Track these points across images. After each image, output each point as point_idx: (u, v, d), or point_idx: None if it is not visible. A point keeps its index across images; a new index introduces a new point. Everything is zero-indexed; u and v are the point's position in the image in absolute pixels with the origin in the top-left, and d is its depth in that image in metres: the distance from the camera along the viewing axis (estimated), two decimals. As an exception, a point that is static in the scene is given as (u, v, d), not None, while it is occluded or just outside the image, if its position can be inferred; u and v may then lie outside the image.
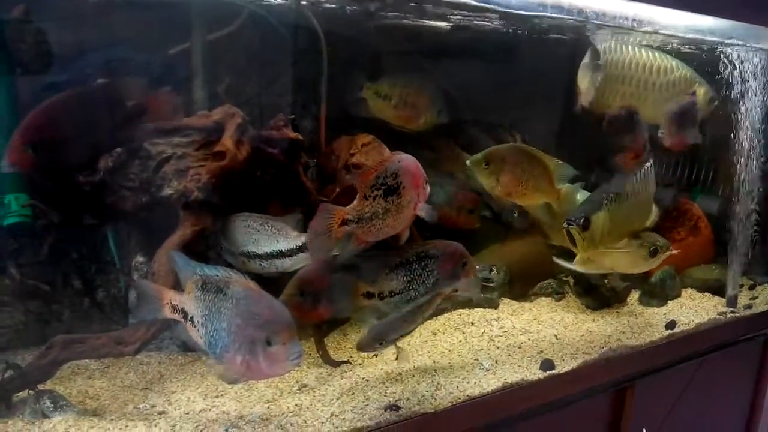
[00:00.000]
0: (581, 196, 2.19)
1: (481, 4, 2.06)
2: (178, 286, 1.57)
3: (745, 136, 2.76)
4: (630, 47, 2.51)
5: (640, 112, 2.61)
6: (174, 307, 1.53)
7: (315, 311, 1.85)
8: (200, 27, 2.12)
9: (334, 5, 2.12)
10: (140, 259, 2.01)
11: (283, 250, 1.78)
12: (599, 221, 1.98)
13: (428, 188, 1.76)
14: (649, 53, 2.54)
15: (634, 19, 2.21)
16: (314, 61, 2.25)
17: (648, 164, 2.18)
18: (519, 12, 2.13)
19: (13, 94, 1.87)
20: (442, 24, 2.39)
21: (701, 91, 2.57)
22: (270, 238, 1.79)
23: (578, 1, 2.10)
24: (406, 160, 1.70)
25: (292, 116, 2.06)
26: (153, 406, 1.73)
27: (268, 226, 1.80)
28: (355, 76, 2.51)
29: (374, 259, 1.84)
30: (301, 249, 1.77)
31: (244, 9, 2.11)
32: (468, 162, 2.13)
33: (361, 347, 1.88)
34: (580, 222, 1.95)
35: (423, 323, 2.13)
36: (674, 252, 2.37)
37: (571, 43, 2.59)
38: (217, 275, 1.45)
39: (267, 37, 2.21)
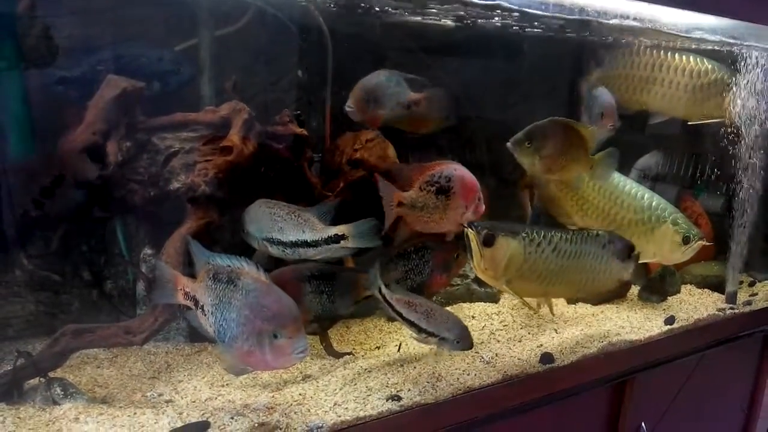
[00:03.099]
0: (614, 160, 2.20)
1: (488, 2, 2.08)
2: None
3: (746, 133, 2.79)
4: (663, 51, 2.65)
5: (675, 113, 2.80)
6: (186, 294, 1.57)
7: None
8: (208, 23, 2.15)
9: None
10: (148, 251, 2.05)
11: (308, 240, 1.82)
12: (506, 249, 1.82)
13: (482, 207, 1.88)
14: (683, 57, 2.62)
15: (635, 18, 2.23)
16: (320, 57, 2.28)
17: (600, 233, 2.00)
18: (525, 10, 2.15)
19: (24, 87, 1.90)
20: (447, 21, 2.42)
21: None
22: (296, 228, 1.82)
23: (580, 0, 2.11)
24: (462, 170, 1.89)
25: (297, 112, 2.10)
26: (160, 395, 1.76)
27: (295, 216, 1.84)
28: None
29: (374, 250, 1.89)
30: (326, 241, 1.81)
31: (252, 5, 2.15)
32: (509, 144, 2.12)
33: (471, 344, 1.92)
34: (482, 233, 1.81)
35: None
36: (706, 244, 2.48)
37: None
38: (229, 265, 1.49)
39: (274, 33, 2.25)
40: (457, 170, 1.87)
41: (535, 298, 2.02)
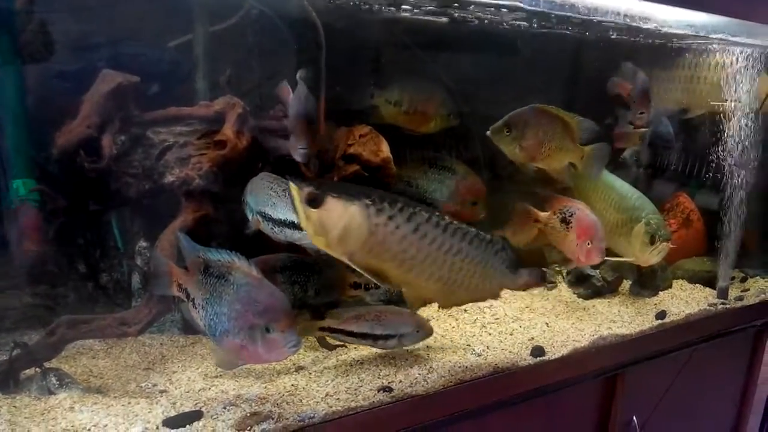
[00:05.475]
0: (605, 155, 2.24)
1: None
2: (179, 270, 1.63)
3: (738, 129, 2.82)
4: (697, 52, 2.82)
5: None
6: (179, 286, 1.59)
7: None
8: (202, 19, 2.17)
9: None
10: (143, 244, 2.07)
11: (295, 222, 1.73)
12: (341, 214, 1.48)
13: (596, 251, 2.20)
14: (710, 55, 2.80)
15: (626, 15, 2.24)
16: (313, 53, 2.29)
17: (495, 238, 1.71)
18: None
19: (22, 82, 1.92)
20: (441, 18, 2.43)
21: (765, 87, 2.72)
22: (288, 207, 1.74)
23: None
24: (585, 212, 2.27)
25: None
26: (155, 385, 1.79)
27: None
28: (363, 83, 2.54)
29: None
30: None
31: (245, 2, 2.16)
32: (488, 132, 2.13)
33: (431, 329, 2.01)
34: (305, 191, 1.48)
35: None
36: (671, 247, 2.44)
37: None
38: (220, 260, 1.50)
39: (266, 29, 2.26)
40: (580, 210, 2.26)
41: (398, 284, 1.67)
